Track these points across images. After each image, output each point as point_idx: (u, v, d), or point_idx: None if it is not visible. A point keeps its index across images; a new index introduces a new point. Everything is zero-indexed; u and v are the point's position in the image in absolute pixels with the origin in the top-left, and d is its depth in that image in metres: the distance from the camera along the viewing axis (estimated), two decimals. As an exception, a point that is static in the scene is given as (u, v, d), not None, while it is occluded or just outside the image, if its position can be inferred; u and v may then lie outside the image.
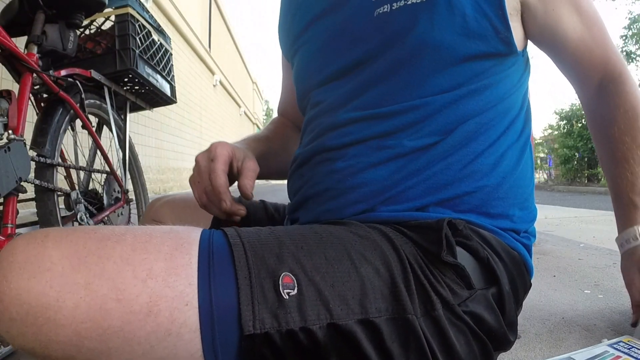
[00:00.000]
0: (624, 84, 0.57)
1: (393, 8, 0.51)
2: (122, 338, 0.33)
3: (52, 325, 0.32)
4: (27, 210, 1.51)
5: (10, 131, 1.01)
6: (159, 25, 1.74)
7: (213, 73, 10.91)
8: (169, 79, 1.80)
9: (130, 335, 0.34)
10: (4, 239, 0.97)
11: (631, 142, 0.56)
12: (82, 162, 1.50)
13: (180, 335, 0.35)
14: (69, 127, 1.31)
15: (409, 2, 0.50)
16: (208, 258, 0.38)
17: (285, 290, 0.37)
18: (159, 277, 0.35)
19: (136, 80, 1.54)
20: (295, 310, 0.36)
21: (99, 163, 1.57)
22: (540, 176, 12.83)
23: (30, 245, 0.34)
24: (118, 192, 1.56)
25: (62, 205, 1.22)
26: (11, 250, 0.34)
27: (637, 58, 11.36)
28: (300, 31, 0.64)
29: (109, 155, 1.52)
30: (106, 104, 1.48)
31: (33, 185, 1.10)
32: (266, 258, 0.39)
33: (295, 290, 0.37)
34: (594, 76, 0.58)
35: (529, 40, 0.57)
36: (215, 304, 0.35)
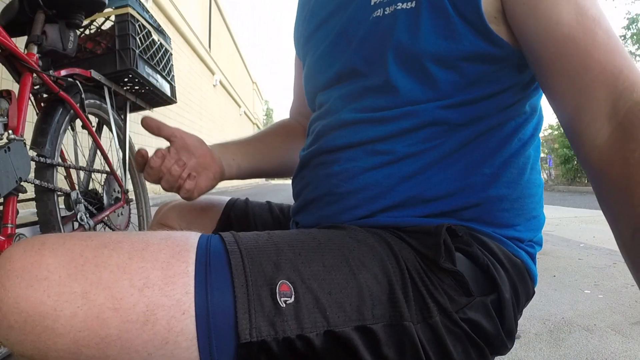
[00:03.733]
0: None
1: (386, 12, 0.50)
2: (120, 346, 0.34)
3: (50, 334, 0.32)
4: (27, 210, 1.51)
5: (10, 131, 1.01)
6: (159, 25, 1.74)
7: (213, 73, 10.91)
8: (169, 79, 1.80)
9: (127, 343, 0.34)
10: (4, 239, 0.97)
11: None
12: (82, 162, 1.50)
13: (178, 344, 0.35)
14: (69, 127, 1.31)
15: (399, 7, 0.49)
16: (205, 265, 0.37)
17: (282, 299, 0.37)
18: (155, 286, 0.35)
19: (136, 80, 1.54)
20: (292, 318, 0.36)
21: (99, 163, 1.57)
22: (540, 176, 12.82)
23: (27, 253, 0.34)
24: (118, 192, 1.56)
25: (62, 205, 1.22)
26: (8, 258, 0.34)
27: (637, 58, 11.36)
28: (310, 34, 0.64)
29: (109, 155, 1.52)
30: (106, 104, 1.47)
31: (33, 185, 1.10)
32: (263, 265, 0.38)
33: (293, 298, 0.37)
34: (598, 97, 0.38)
35: None
36: (212, 312, 0.35)
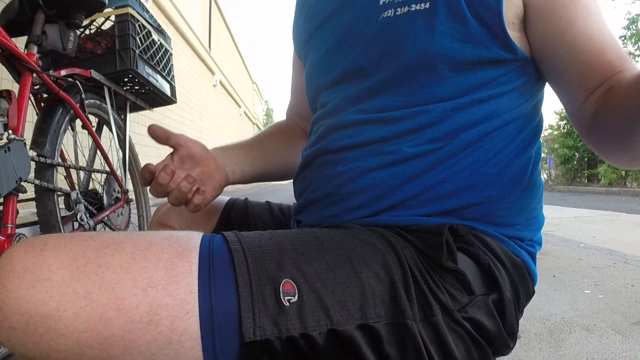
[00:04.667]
0: None
1: (397, 13, 0.50)
2: (123, 347, 0.34)
3: (52, 335, 0.32)
4: (27, 210, 1.51)
5: (10, 131, 1.01)
6: (159, 25, 1.74)
7: (213, 73, 10.91)
8: (169, 79, 1.80)
9: (131, 344, 0.34)
10: (4, 239, 0.97)
11: None
12: (82, 162, 1.49)
13: (181, 343, 0.35)
14: (69, 127, 1.31)
15: (412, 9, 0.49)
16: (208, 265, 0.38)
17: (285, 297, 0.37)
18: (159, 286, 0.35)
19: (136, 80, 1.54)
20: (296, 316, 0.36)
21: (99, 163, 1.57)
22: (540, 176, 12.84)
23: (28, 254, 0.34)
24: (118, 192, 1.56)
25: (62, 205, 1.22)
26: (10, 259, 0.34)
27: (637, 59, 11.35)
28: (311, 33, 0.63)
29: (109, 155, 1.52)
30: (106, 104, 1.47)
31: (33, 185, 1.10)
32: (267, 264, 0.39)
33: (296, 297, 0.37)
34: (604, 84, 0.47)
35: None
36: (215, 312, 0.35)
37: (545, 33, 0.49)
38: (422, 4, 0.48)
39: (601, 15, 0.49)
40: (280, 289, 0.37)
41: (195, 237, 0.41)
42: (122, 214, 1.57)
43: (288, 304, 0.37)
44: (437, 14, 0.48)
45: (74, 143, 1.45)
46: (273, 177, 0.77)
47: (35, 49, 1.13)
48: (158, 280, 0.35)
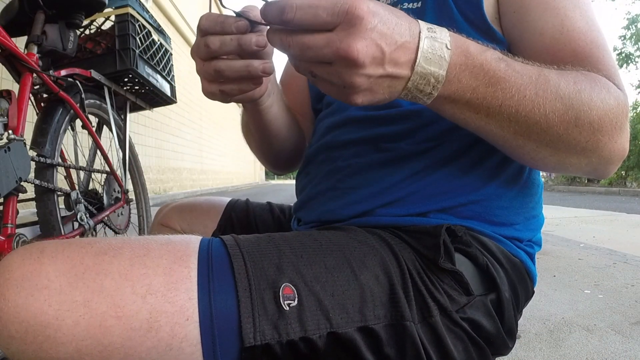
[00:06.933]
0: (601, 75, 0.43)
1: None
2: (123, 354, 0.34)
3: (52, 343, 0.32)
4: (27, 210, 1.51)
5: (10, 131, 1.01)
6: (159, 25, 1.74)
7: (213, 73, 10.88)
8: (169, 79, 1.80)
9: (131, 351, 0.34)
10: (4, 239, 0.97)
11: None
12: (82, 162, 1.49)
13: (182, 350, 0.35)
14: (69, 127, 1.31)
15: (404, 7, 0.50)
16: (207, 270, 0.37)
17: (285, 302, 0.37)
18: (158, 293, 0.35)
19: (136, 80, 1.54)
20: (296, 320, 0.36)
21: (99, 163, 1.57)
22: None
23: (26, 262, 0.34)
24: (118, 192, 1.56)
25: (62, 205, 1.22)
26: (7, 267, 0.34)
27: (636, 59, 11.34)
28: None
29: (109, 155, 1.52)
30: (106, 104, 1.47)
31: (33, 185, 1.10)
32: (266, 268, 0.39)
33: (296, 301, 0.37)
34: None
35: None
36: (215, 317, 0.35)
37: (505, 28, 0.49)
38: (414, 3, 0.50)
39: (567, 9, 0.45)
40: (280, 293, 0.37)
41: (193, 242, 0.40)
42: (122, 214, 1.57)
43: (288, 308, 0.36)
44: (426, 12, 0.49)
45: (74, 143, 1.45)
46: (274, 141, 0.65)
47: (35, 49, 1.13)
48: (157, 286, 0.35)
